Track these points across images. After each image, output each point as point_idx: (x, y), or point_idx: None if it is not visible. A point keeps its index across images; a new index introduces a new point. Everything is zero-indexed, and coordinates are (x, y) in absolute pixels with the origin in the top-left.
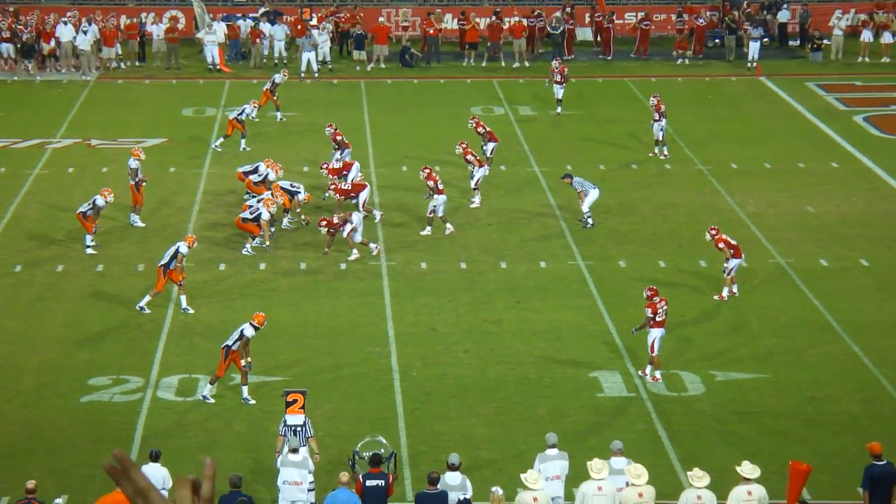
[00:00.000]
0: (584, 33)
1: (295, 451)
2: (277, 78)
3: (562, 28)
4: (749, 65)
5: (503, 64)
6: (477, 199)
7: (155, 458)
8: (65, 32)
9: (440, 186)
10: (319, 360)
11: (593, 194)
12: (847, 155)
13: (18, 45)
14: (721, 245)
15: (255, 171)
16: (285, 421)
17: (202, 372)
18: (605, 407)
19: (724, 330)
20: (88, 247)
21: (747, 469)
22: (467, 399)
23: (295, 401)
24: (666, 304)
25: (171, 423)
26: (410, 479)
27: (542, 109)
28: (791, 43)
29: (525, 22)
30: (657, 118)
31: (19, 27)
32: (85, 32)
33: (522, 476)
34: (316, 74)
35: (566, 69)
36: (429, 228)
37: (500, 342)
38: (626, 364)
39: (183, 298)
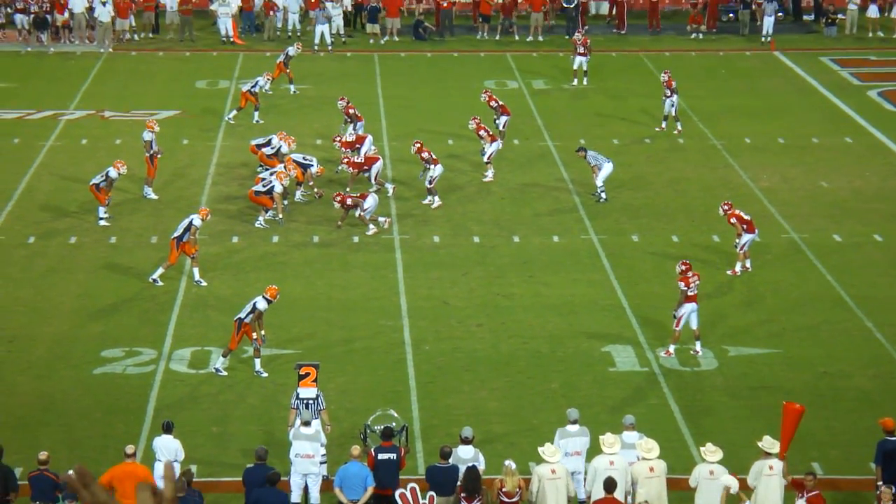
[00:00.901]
0: (599, 7)
1: (307, 423)
2: (291, 51)
3: (576, 2)
4: (763, 39)
5: (517, 37)
6: (490, 174)
7: (167, 429)
8: (77, 3)
9: (434, 157)
10: (332, 334)
11: (607, 168)
12: (861, 130)
13: (32, 17)
14: (733, 220)
15: (268, 143)
16: (297, 394)
17: (215, 345)
18: (618, 381)
19: (736, 305)
20: (101, 219)
21: (768, 443)
22: (480, 373)
23: (307, 374)
24: (698, 278)
25: (184, 396)
26: (423, 452)
27: (556, 83)
28: (805, 17)
29: None
30: (668, 94)
31: None
32: (104, 3)
33: (540, 449)
34: (330, 48)
35: (588, 40)
36: (429, 198)
37: (512, 316)
38: (638, 338)
39: (196, 271)
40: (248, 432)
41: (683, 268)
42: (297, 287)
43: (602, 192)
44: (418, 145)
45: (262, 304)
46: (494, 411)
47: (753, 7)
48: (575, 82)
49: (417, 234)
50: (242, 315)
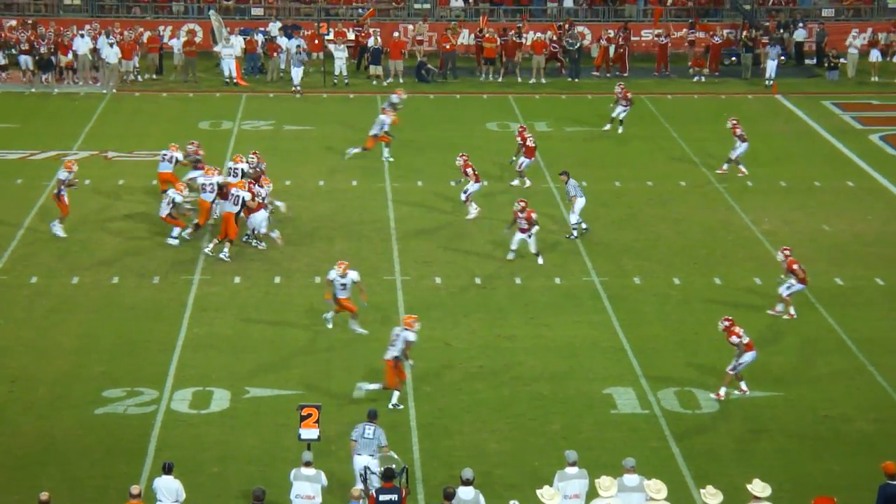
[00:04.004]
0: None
1: (308, 464)
2: (395, 98)
3: (578, 44)
4: (767, 83)
5: (519, 80)
6: (473, 212)
7: (168, 470)
8: (82, 45)
9: (476, 174)
10: (333, 374)
11: (581, 202)
12: (862, 174)
13: (36, 58)
14: (795, 267)
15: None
16: (361, 429)
17: (216, 385)
18: (619, 423)
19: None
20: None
21: (758, 488)
22: (481, 414)
23: (310, 415)
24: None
25: (185, 436)
26: (423, 494)
27: (558, 125)
28: (807, 61)
29: (546, 39)
30: (736, 141)
31: (37, 40)
32: (112, 45)
33: (539, 492)
34: (297, 87)
35: (629, 93)
36: (471, 209)
37: (514, 358)
38: (640, 380)
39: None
40: (249, 473)
41: (727, 324)
42: (298, 328)
43: (581, 223)
44: (464, 159)
45: (412, 336)
46: (495, 453)
47: (757, 51)
48: (608, 127)
49: (419, 274)
50: (397, 353)
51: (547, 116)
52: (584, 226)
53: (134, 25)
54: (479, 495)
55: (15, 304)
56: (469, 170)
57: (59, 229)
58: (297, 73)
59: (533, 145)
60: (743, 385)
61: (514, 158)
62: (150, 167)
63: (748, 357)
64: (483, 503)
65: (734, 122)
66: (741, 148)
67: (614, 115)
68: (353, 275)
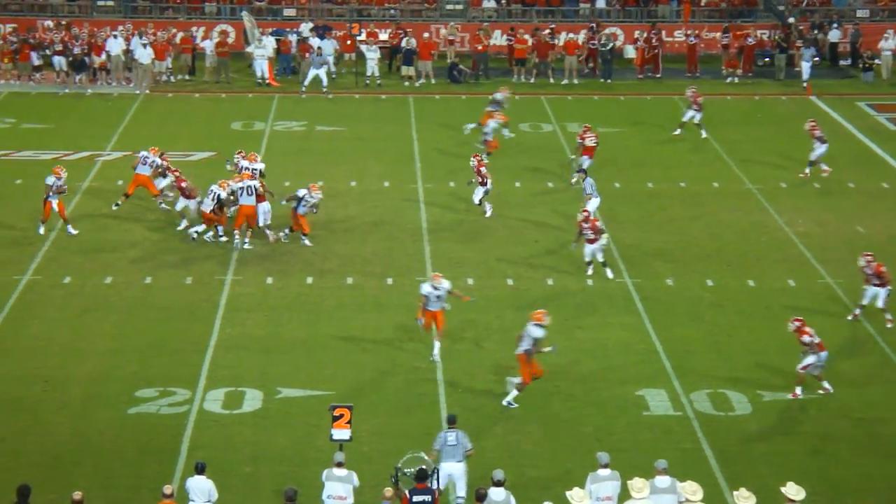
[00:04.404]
0: (631, 51)
1: (340, 465)
2: (499, 96)
3: (610, 45)
4: (803, 85)
5: (552, 80)
6: (489, 210)
7: (200, 470)
8: (115, 46)
9: (487, 175)
10: (365, 375)
11: (595, 202)
12: None
13: (70, 59)
14: (883, 269)
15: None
16: (444, 438)
17: (249, 385)
18: (652, 425)
19: (771, 350)
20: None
21: (792, 490)
22: (513, 416)
23: (341, 415)
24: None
25: (217, 436)
26: (454, 496)
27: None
28: (842, 62)
29: (579, 40)
30: (815, 143)
31: (70, 41)
32: (145, 46)
33: (568, 493)
34: (325, 89)
35: (700, 97)
36: (487, 209)
37: (546, 359)
38: (672, 382)
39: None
40: (280, 473)
41: (798, 324)
42: (330, 328)
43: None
44: (478, 159)
45: (539, 332)
46: (528, 454)
47: (791, 52)
48: (678, 131)
49: (451, 276)
50: (528, 347)
51: (579, 117)
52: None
53: (167, 26)
54: (510, 496)
55: (49, 304)
56: (483, 169)
57: (71, 229)
58: (311, 75)
59: (591, 145)
60: (826, 384)
61: (573, 157)
62: (182, 168)
63: (823, 356)
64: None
65: (812, 123)
66: (820, 149)
67: (685, 119)
68: (446, 284)
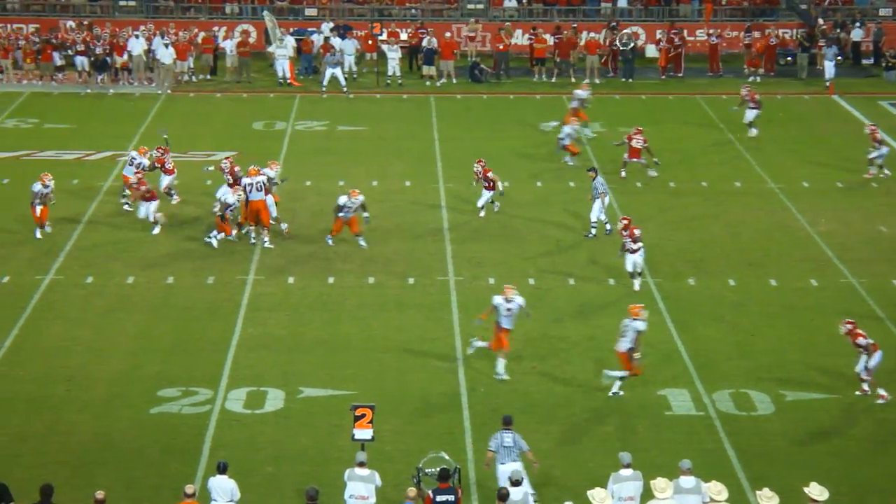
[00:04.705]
0: (654, 50)
1: (362, 465)
2: (581, 93)
3: (632, 45)
4: (826, 84)
5: (573, 80)
6: (483, 212)
7: (222, 469)
8: (136, 46)
9: (493, 179)
10: (387, 375)
11: (605, 200)
12: None
13: (92, 59)
14: None
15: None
16: (500, 438)
17: (271, 385)
18: (674, 425)
19: (793, 349)
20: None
21: (815, 491)
22: (535, 415)
23: (363, 415)
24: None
25: (239, 436)
26: (478, 495)
27: (612, 126)
28: (864, 61)
29: (601, 39)
30: (875, 146)
31: (92, 41)
32: (166, 46)
33: (589, 493)
34: (345, 89)
35: (757, 94)
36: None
37: (567, 359)
38: (694, 382)
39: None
40: (302, 473)
41: (849, 327)
42: (351, 328)
43: (602, 224)
44: (482, 164)
45: (642, 326)
46: (549, 454)
47: (813, 51)
48: (755, 132)
49: (473, 275)
50: (629, 344)
51: (601, 117)
52: (607, 227)
53: (189, 26)
54: (529, 496)
55: (71, 304)
56: (491, 173)
57: (38, 233)
58: (328, 74)
59: (637, 147)
60: (881, 391)
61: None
62: (203, 167)
63: (877, 357)
64: (531, 502)
65: (872, 127)
66: (881, 151)
67: (749, 119)
68: (520, 300)
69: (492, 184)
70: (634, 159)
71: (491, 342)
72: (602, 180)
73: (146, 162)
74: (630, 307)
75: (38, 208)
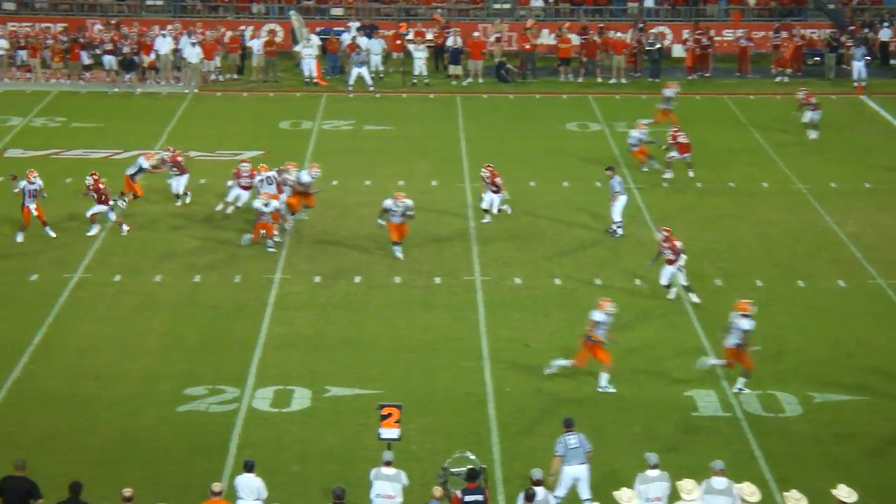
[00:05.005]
0: (681, 50)
1: (389, 464)
2: (669, 92)
3: (658, 45)
4: (855, 84)
5: (599, 80)
6: (488, 217)
7: (249, 468)
8: (164, 45)
9: (500, 185)
10: (413, 374)
11: (623, 199)
12: None
13: (119, 58)
14: None
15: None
16: (565, 442)
17: (297, 384)
18: (701, 426)
19: (822, 351)
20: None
21: (843, 493)
22: (561, 415)
23: (389, 414)
24: None
25: (266, 434)
26: (504, 494)
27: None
28: (892, 62)
29: (627, 39)
30: None
31: (120, 40)
32: (194, 45)
33: (616, 494)
34: (371, 88)
35: (814, 96)
36: (487, 217)
37: (594, 358)
38: (721, 383)
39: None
40: (329, 471)
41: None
42: (378, 327)
43: (618, 227)
44: (490, 169)
45: (747, 324)
46: None
47: (841, 51)
48: (814, 135)
49: (499, 275)
50: (737, 340)
51: (628, 117)
52: (619, 231)
53: (216, 25)
54: (549, 495)
55: (99, 302)
56: (498, 180)
57: (20, 236)
58: (354, 74)
59: (686, 141)
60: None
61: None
62: (231, 167)
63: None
64: (553, 503)
65: None
66: None
67: (805, 120)
68: (611, 307)
69: (498, 189)
70: (686, 154)
71: (575, 359)
72: (619, 179)
73: (147, 164)
74: (738, 303)
75: (31, 206)
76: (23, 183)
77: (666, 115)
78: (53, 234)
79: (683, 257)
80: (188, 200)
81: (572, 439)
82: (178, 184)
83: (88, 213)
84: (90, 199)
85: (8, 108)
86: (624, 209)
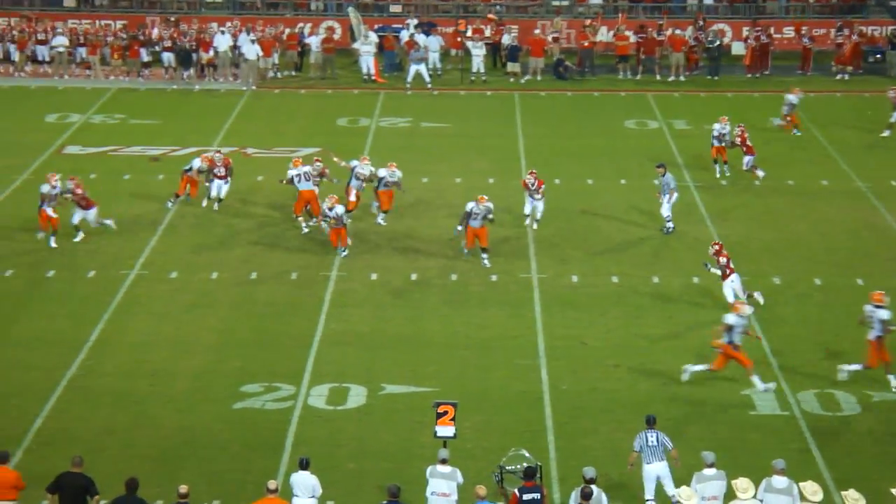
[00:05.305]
0: (740, 48)
1: (444, 462)
2: (792, 98)
3: (718, 42)
4: None
5: (658, 77)
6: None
7: (304, 465)
8: (222, 42)
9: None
10: (469, 372)
11: (675, 197)
12: None
13: (179, 55)
14: None
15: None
16: (644, 437)
17: (353, 381)
18: (758, 425)
19: None
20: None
21: None
22: (617, 414)
23: (445, 412)
24: None
25: (322, 432)
26: (559, 493)
27: (698, 123)
28: None
29: (686, 36)
30: None
31: (179, 37)
32: (252, 42)
33: (676, 491)
34: (429, 85)
35: None
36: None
37: (651, 357)
38: (779, 381)
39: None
40: (384, 469)
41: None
42: (434, 324)
43: (669, 221)
44: (534, 175)
45: (884, 314)
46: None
47: None
48: (887, 133)
49: (556, 272)
50: (879, 332)
51: (686, 115)
52: (670, 226)
53: (275, 22)
54: (602, 493)
55: (155, 299)
56: (542, 186)
57: (53, 241)
58: (413, 70)
59: (751, 144)
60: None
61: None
62: (288, 164)
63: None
64: (605, 501)
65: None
66: None
67: (893, 119)
68: (749, 310)
69: (540, 194)
70: (753, 155)
71: (713, 363)
72: (671, 176)
73: (204, 165)
74: (872, 293)
75: (49, 210)
76: (45, 187)
77: (789, 119)
78: (55, 245)
79: (734, 276)
80: (216, 207)
81: (652, 436)
82: (220, 189)
83: (75, 220)
84: (71, 203)
85: (67, 105)
86: (673, 206)
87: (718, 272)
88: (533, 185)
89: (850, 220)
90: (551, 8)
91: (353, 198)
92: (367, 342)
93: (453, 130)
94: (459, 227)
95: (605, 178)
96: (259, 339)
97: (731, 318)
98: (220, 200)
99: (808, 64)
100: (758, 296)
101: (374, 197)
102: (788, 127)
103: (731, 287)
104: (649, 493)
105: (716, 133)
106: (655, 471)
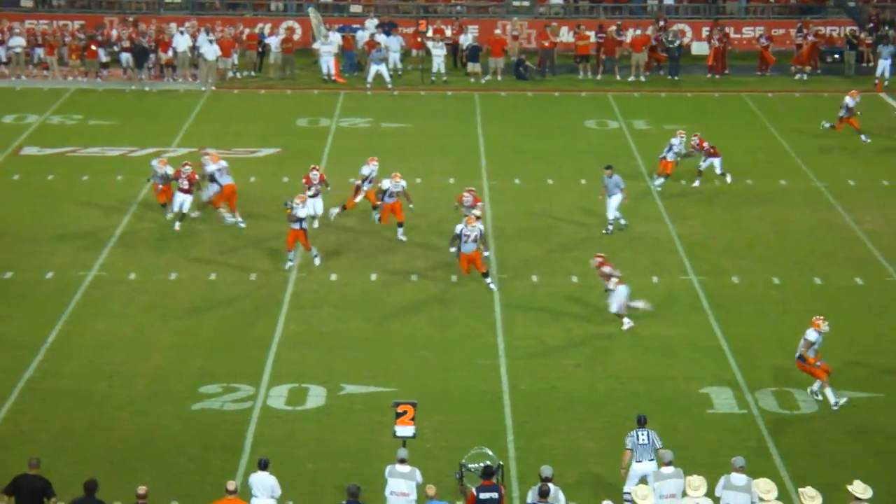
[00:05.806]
0: (700, 48)
1: (403, 461)
2: (850, 101)
3: (678, 42)
4: (877, 80)
5: (618, 77)
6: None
7: (263, 466)
8: (181, 42)
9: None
10: (429, 372)
11: (618, 197)
12: None
13: (136, 54)
14: None
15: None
16: (636, 435)
17: (312, 381)
18: (716, 423)
19: (837, 348)
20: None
21: (859, 489)
22: (577, 413)
23: (405, 412)
24: None
25: (281, 432)
26: (518, 492)
27: (657, 123)
28: None
29: (647, 35)
30: None
31: (138, 37)
32: (211, 42)
33: (632, 489)
34: (390, 86)
35: None
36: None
37: (610, 356)
38: (738, 380)
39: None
40: (344, 469)
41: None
42: (394, 325)
43: (620, 218)
44: (473, 194)
45: (812, 336)
46: (591, 451)
47: (860, 48)
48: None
49: (515, 272)
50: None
51: (646, 115)
52: (622, 221)
53: (234, 23)
54: (559, 491)
55: (114, 300)
56: (480, 204)
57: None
58: (373, 71)
59: (712, 147)
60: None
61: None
62: (247, 165)
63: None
64: (563, 499)
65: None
66: None
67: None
68: (825, 326)
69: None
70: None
71: (821, 378)
72: (619, 178)
73: (168, 171)
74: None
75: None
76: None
77: (849, 124)
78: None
79: (614, 282)
80: (176, 227)
81: (643, 435)
82: (183, 204)
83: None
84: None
85: (25, 106)
86: (619, 207)
87: (612, 288)
88: (469, 202)
89: (808, 219)
90: (512, 8)
91: (357, 199)
92: (327, 343)
93: (414, 131)
94: (452, 249)
95: (565, 178)
96: (218, 340)
97: (812, 335)
98: (182, 216)
99: (765, 65)
100: (640, 304)
101: (377, 209)
102: (839, 128)
103: (618, 300)
104: (628, 488)
105: (675, 149)
106: (643, 469)
